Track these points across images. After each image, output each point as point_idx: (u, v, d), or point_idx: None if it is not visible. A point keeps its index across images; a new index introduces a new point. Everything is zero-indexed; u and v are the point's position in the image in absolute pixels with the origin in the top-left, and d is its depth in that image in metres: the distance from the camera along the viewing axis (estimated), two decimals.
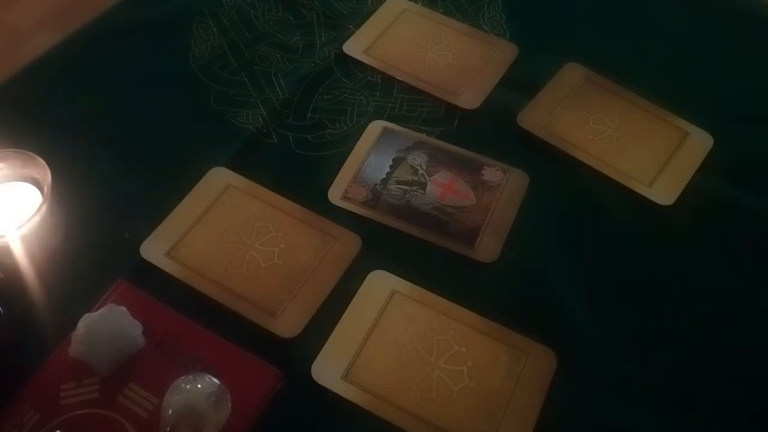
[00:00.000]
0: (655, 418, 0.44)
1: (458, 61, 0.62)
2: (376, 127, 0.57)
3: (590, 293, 0.49)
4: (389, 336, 0.46)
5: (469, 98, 0.59)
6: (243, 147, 0.56)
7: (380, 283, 0.49)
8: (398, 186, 0.53)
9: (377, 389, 0.44)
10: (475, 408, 0.44)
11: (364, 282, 0.48)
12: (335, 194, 0.53)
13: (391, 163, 0.55)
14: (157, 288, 0.47)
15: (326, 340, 0.46)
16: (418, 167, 0.54)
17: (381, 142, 0.56)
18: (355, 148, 0.56)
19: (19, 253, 0.47)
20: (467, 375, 0.45)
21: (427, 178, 0.54)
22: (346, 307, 0.48)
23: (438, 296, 0.48)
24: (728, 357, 0.47)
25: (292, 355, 0.46)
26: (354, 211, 0.52)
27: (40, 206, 0.47)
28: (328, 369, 0.45)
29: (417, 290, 0.48)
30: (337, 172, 0.54)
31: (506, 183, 0.54)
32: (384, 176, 0.54)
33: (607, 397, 0.45)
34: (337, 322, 0.47)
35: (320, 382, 0.44)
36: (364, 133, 0.57)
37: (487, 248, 0.50)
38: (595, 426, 0.44)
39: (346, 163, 0.55)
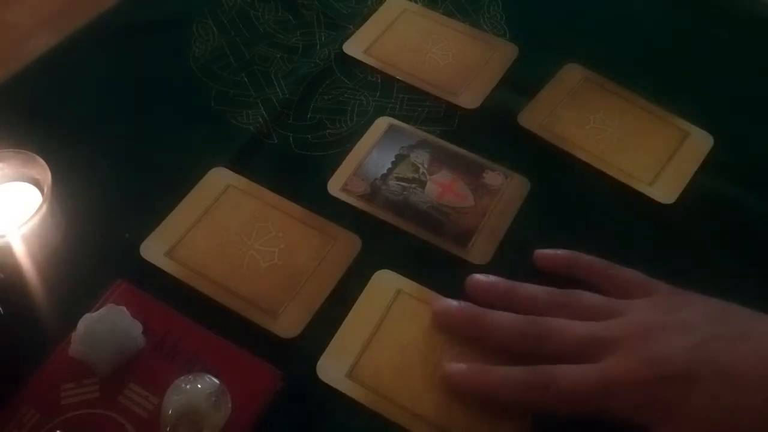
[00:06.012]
0: None
1: (458, 61, 0.62)
2: (382, 123, 0.57)
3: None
4: (394, 335, 0.46)
5: (469, 98, 0.59)
6: (243, 147, 0.56)
7: (386, 283, 0.49)
8: (398, 182, 0.53)
9: (381, 388, 0.44)
10: (478, 408, 0.44)
11: (370, 281, 0.48)
12: (335, 185, 0.53)
13: (393, 159, 0.55)
14: (157, 288, 0.47)
15: (327, 340, 0.46)
16: (420, 165, 0.54)
17: (385, 139, 0.56)
18: (360, 143, 0.56)
19: (19, 253, 0.47)
20: None
21: (428, 176, 0.54)
22: (346, 306, 0.48)
23: (442, 295, 0.48)
24: None
25: (292, 355, 0.46)
26: (351, 203, 0.52)
27: (40, 206, 0.47)
28: (332, 367, 0.45)
29: (422, 290, 0.48)
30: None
31: (506, 188, 0.54)
32: (384, 172, 0.54)
33: None
34: (338, 321, 0.47)
35: (325, 380, 0.45)
36: (369, 129, 0.57)
37: (480, 250, 0.50)
38: None
39: (349, 156, 0.55)
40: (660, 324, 0.41)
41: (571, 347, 0.41)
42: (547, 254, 0.47)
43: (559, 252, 0.48)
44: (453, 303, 0.46)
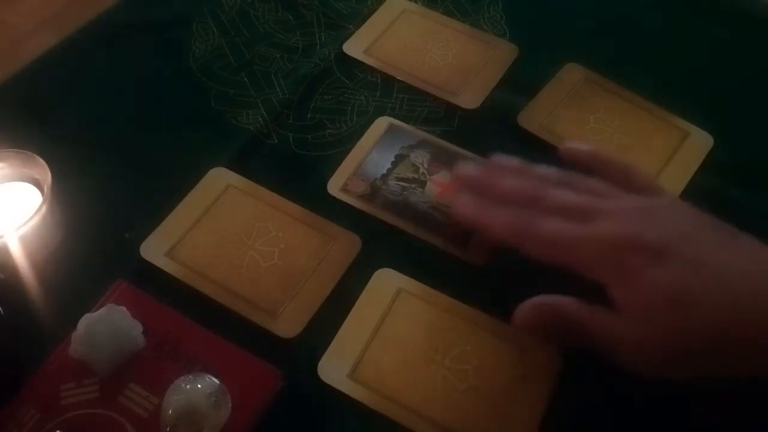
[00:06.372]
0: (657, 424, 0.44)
1: (458, 61, 0.62)
2: (382, 122, 0.57)
3: (590, 294, 0.48)
4: (395, 334, 0.46)
5: (469, 98, 0.59)
6: (243, 147, 0.56)
7: (387, 282, 0.49)
8: (397, 183, 0.53)
9: (383, 388, 0.44)
10: (480, 408, 0.44)
11: (371, 280, 0.49)
12: (334, 185, 0.53)
13: (393, 159, 0.55)
14: (157, 288, 0.47)
15: (327, 340, 0.46)
16: (420, 165, 0.54)
17: (385, 138, 0.56)
18: (360, 142, 0.56)
19: (19, 253, 0.47)
20: (472, 374, 0.45)
21: (428, 177, 0.54)
22: (346, 306, 0.48)
23: (443, 294, 0.48)
24: None
25: (292, 355, 0.46)
26: (351, 203, 0.52)
27: (40, 206, 0.47)
28: (333, 367, 0.45)
29: (423, 288, 0.48)
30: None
31: None
32: (384, 172, 0.54)
33: (609, 402, 0.45)
34: (338, 321, 0.47)
35: (327, 380, 0.45)
36: (369, 129, 0.57)
37: (479, 251, 0.50)
38: None
39: (349, 156, 0.55)
40: (653, 210, 0.43)
41: (562, 209, 0.44)
42: (571, 148, 0.50)
43: (583, 147, 0.50)
44: (469, 167, 0.49)
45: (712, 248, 0.41)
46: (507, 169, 0.48)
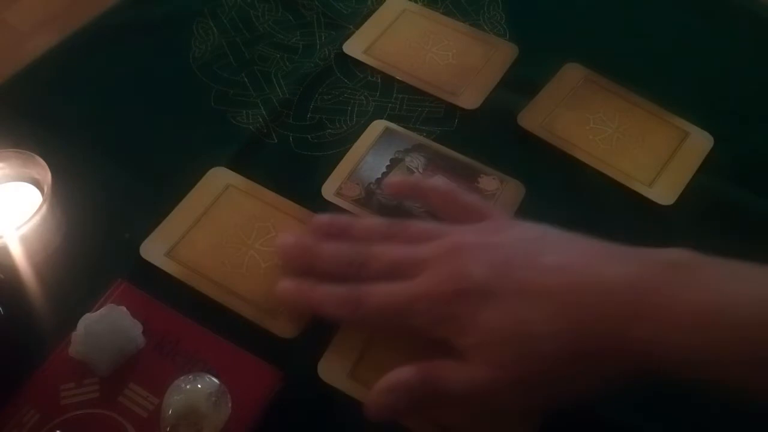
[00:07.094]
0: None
1: (458, 61, 0.62)
2: (377, 126, 0.57)
3: None
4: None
5: (469, 98, 0.59)
6: (243, 147, 0.56)
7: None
8: None
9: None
10: None
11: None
12: (329, 190, 0.53)
13: (388, 163, 0.55)
14: (157, 288, 0.47)
15: (327, 340, 0.46)
16: (415, 170, 0.54)
17: (381, 142, 0.56)
18: (354, 146, 0.56)
19: (19, 253, 0.47)
20: None
21: None
22: None
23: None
24: None
25: (292, 355, 0.46)
26: (345, 208, 0.52)
27: (40, 206, 0.47)
28: (333, 367, 0.45)
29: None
30: None
31: (501, 192, 0.53)
32: (379, 176, 0.54)
33: (609, 401, 0.45)
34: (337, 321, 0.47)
35: (327, 380, 0.45)
36: (365, 132, 0.57)
37: None
38: None
39: (344, 160, 0.55)
40: (471, 244, 0.42)
41: (386, 269, 0.43)
42: (392, 182, 0.50)
43: (404, 179, 0.50)
44: (289, 238, 0.48)
45: (532, 261, 0.40)
46: (327, 232, 0.47)
